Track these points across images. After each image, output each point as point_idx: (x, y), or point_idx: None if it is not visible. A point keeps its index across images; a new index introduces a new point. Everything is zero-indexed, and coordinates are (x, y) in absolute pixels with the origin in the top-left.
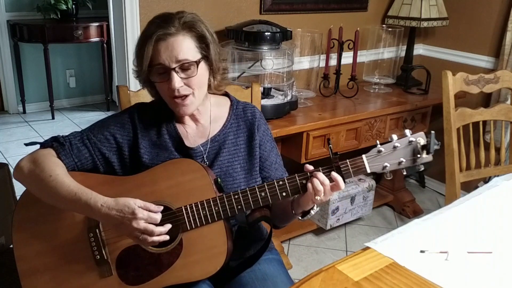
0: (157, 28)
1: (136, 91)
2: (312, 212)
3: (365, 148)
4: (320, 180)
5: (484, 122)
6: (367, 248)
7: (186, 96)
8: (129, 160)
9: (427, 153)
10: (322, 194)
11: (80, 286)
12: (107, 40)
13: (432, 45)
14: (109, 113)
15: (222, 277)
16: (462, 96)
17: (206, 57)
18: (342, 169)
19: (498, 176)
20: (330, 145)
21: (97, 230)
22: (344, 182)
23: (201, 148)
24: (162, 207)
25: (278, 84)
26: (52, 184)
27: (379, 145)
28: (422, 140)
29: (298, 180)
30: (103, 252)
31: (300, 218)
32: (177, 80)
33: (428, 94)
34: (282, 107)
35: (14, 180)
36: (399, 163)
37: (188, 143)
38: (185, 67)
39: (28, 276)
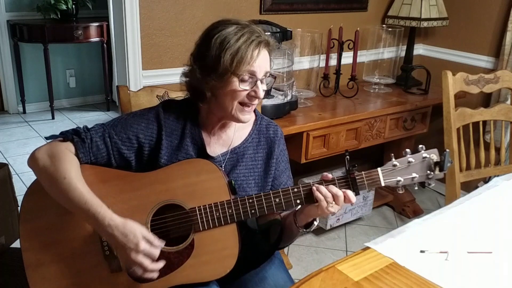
0: (260, 37)
1: (136, 91)
2: (315, 222)
3: (365, 148)
4: (322, 193)
5: (484, 122)
6: (367, 248)
7: (254, 105)
8: (147, 159)
9: (440, 170)
10: (331, 205)
11: (88, 281)
12: (107, 40)
13: (432, 45)
14: (109, 113)
15: (228, 277)
16: (462, 96)
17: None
18: (357, 181)
19: (498, 176)
20: (347, 156)
21: None
22: (358, 194)
23: (221, 158)
24: (164, 243)
25: (278, 84)
26: (64, 187)
27: (394, 160)
28: (435, 157)
29: (314, 189)
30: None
31: (305, 230)
32: (262, 90)
33: (428, 94)
34: (282, 107)
35: (14, 180)
36: (412, 178)
37: (209, 151)
38: (264, 80)
39: (34, 268)
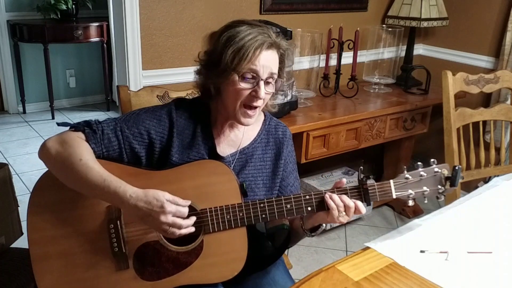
0: (265, 37)
1: (136, 91)
2: (322, 227)
3: (365, 148)
4: (335, 202)
5: (484, 122)
6: (367, 248)
7: (256, 107)
8: (158, 156)
9: (451, 186)
10: (342, 214)
11: (94, 276)
12: (107, 40)
13: (432, 45)
14: (109, 113)
15: (233, 279)
16: (462, 96)
17: (281, 78)
18: (369, 192)
19: (498, 176)
20: (361, 167)
21: (118, 222)
22: (370, 204)
23: (230, 158)
24: (189, 202)
25: None
26: (81, 168)
27: (406, 173)
28: (446, 172)
29: (325, 197)
30: (122, 244)
31: (312, 234)
32: (264, 91)
33: (428, 94)
34: (282, 107)
35: (14, 180)
36: (423, 192)
37: (219, 151)
38: (270, 81)
39: (41, 261)
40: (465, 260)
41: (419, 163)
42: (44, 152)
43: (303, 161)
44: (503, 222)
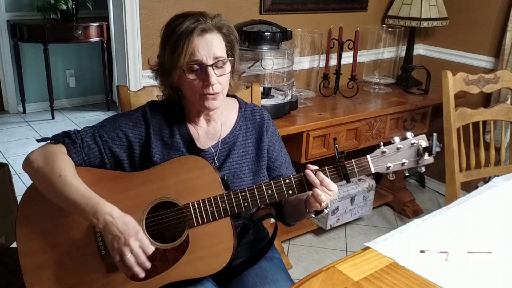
0: (195, 23)
1: (136, 91)
2: (326, 210)
3: (365, 148)
4: (311, 179)
5: (484, 122)
6: (367, 248)
7: (217, 93)
8: (139, 159)
9: (429, 155)
10: (322, 195)
11: (85, 281)
12: (107, 40)
13: (432, 45)
14: (109, 113)
15: (225, 275)
16: (462, 96)
17: (231, 57)
18: (347, 168)
19: (498, 176)
20: (336, 145)
21: None
22: (349, 181)
23: (212, 150)
24: (154, 248)
25: (278, 84)
26: (60, 184)
27: (382, 146)
28: (424, 142)
29: (304, 178)
30: None
31: (313, 216)
32: (214, 77)
33: (428, 94)
34: (282, 107)
35: (14, 180)
36: (402, 164)
37: (199, 144)
38: (219, 65)
39: (32, 272)
40: (465, 260)
41: (395, 137)
42: (27, 165)
43: (303, 161)
44: (503, 222)
